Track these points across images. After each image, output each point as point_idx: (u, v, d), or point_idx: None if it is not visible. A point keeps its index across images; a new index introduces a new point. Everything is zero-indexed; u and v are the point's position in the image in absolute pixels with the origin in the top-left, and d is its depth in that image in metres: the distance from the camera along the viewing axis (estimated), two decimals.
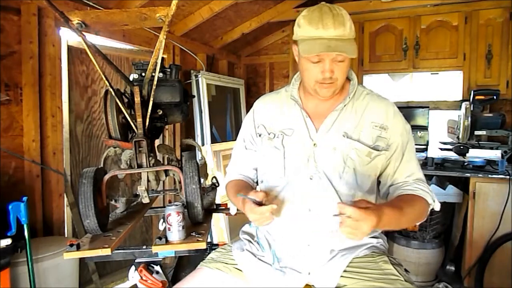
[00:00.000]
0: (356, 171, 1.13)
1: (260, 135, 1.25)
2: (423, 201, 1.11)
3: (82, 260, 1.98)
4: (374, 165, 1.15)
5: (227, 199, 1.36)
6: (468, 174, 2.51)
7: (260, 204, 1.03)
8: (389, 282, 1.04)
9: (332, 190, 1.12)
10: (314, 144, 1.15)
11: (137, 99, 1.22)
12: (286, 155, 1.17)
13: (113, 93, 1.23)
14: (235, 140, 1.37)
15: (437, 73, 3.23)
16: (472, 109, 2.69)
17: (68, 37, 2.23)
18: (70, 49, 2.28)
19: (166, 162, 1.56)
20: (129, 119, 1.27)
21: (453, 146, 2.69)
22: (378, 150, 1.14)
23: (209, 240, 1.32)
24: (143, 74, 1.33)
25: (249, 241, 1.24)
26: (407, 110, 3.16)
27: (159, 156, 1.54)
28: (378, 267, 1.10)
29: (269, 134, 1.22)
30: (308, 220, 1.13)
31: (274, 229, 1.19)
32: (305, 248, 1.13)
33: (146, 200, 1.37)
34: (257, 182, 1.35)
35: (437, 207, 1.15)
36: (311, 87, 1.13)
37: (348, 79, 1.20)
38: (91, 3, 2.21)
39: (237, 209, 1.34)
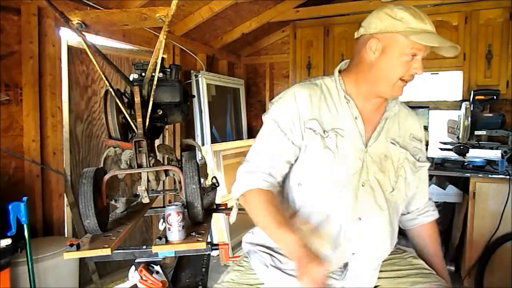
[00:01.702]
0: (407, 181, 1.11)
1: (314, 131, 1.06)
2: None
3: (82, 260, 1.98)
4: (418, 177, 1.16)
5: (228, 199, 1.33)
6: (468, 174, 2.51)
7: None
8: (424, 276, 1.07)
9: (383, 199, 1.07)
10: (366, 150, 1.08)
11: (137, 99, 1.22)
12: (339, 158, 1.05)
13: (113, 93, 1.23)
14: (235, 140, 1.33)
15: (437, 73, 3.23)
16: (472, 109, 2.69)
17: (68, 37, 2.23)
18: (70, 49, 2.28)
19: (166, 162, 1.56)
20: (129, 119, 1.27)
21: (453, 146, 2.69)
22: (420, 161, 1.15)
23: (209, 240, 1.31)
24: (143, 74, 1.33)
25: (270, 254, 1.11)
26: None
27: (159, 156, 1.54)
28: (408, 262, 1.12)
29: (324, 132, 1.07)
30: (358, 229, 1.05)
31: (314, 237, 1.07)
32: (349, 256, 1.07)
33: (146, 200, 1.36)
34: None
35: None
36: (391, 84, 1.05)
37: None
38: (91, 3, 2.21)
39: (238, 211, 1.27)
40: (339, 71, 1.16)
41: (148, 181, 1.37)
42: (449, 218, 2.94)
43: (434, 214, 1.25)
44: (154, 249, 1.22)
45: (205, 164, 1.88)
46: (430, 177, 2.81)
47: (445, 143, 2.85)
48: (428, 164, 1.19)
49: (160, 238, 1.23)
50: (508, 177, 2.37)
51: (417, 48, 1.00)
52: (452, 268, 2.76)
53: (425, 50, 1.03)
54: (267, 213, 1.01)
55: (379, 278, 1.09)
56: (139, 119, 1.25)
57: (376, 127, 1.11)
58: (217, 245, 1.36)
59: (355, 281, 1.07)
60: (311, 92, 1.10)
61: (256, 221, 1.06)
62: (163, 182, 1.49)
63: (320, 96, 1.10)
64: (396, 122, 1.15)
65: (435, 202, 2.84)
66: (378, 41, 1.03)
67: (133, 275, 1.29)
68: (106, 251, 1.14)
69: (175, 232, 1.23)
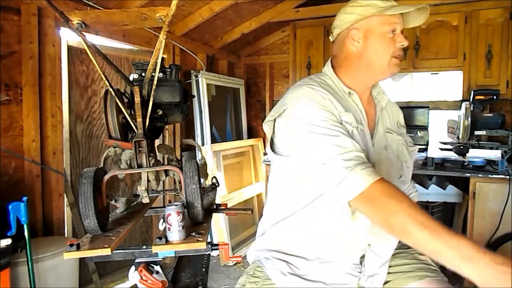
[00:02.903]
0: (409, 165, 1.16)
1: (350, 124, 1.01)
2: None
3: (82, 260, 1.99)
4: (412, 162, 1.20)
5: (228, 199, 1.32)
6: (468, 174, 2.51)
7: None
8: (433, 271, 1.08)
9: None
10: (373, 143, 1.08)
11: (137, 99, 1.22)
12: (368, 152, 1.05)
13: (113, 93, 1.23)
14: (235, 140, 1.32)
15: (437, 73, 3.23)
16: (472, 109, 2.69)
17: (68, 37, 2.23)
18: (70, 49, 2.28)
19: (166, 162, 1.56)
20: (129, 119, 1.27)
21: (453, 146, 2.69)
22: (410, 146, 1.19)
23: (209, 240, 1.31)
24: (143, 74, 1.33)
25: (286, 261, 1.08)
26: (407, 110, 3.16)
27: (159, 156, 1.54)
28: (415, 257, 1.13)
29: (357, 124, 1.04)
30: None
31: (329, 234, 1.05)
32: (366, 247, 1.06)
33: (146, 200, 1.36)
34: None
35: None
36: (386, 63, 1.06)
37: None
38: (91, 3, 2.21)
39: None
40: None
41: (148, 181, 1.37)
42: (449, 218, 2.94)
43: (417, 196, 1.28)
44: (154, 249, 1.22)
45: (205, 164, 1.88)
46: (430, 177, 2.83)
47: (445, 143, 2.85)
48: (417, 147, 1.23)
49: (160, 238, 1.23)
50: (508, 177, 2.37)
51: (394, 22, 1.05)
52: None
53: (400, 23, 1.07)
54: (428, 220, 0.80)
55: (388, 273, 1.09)
56: (139, 119, 1.24)
57: (374, 118, 1.14)
58: (217, 245, 1.36)
59: (371, 278, 1.07)
60: (322, 89, 1.02)
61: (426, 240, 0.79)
62: (163, 182, 1.49)
63: (328, 93, 1.03)
64: (385, 112, 1.19)
65: (435, 202, 2.86)
66: (357, 30, 1.07)
67: (133, 275, 1.29)
68: (106, 251, 1.14)
69: (175, 232, 1.22)
